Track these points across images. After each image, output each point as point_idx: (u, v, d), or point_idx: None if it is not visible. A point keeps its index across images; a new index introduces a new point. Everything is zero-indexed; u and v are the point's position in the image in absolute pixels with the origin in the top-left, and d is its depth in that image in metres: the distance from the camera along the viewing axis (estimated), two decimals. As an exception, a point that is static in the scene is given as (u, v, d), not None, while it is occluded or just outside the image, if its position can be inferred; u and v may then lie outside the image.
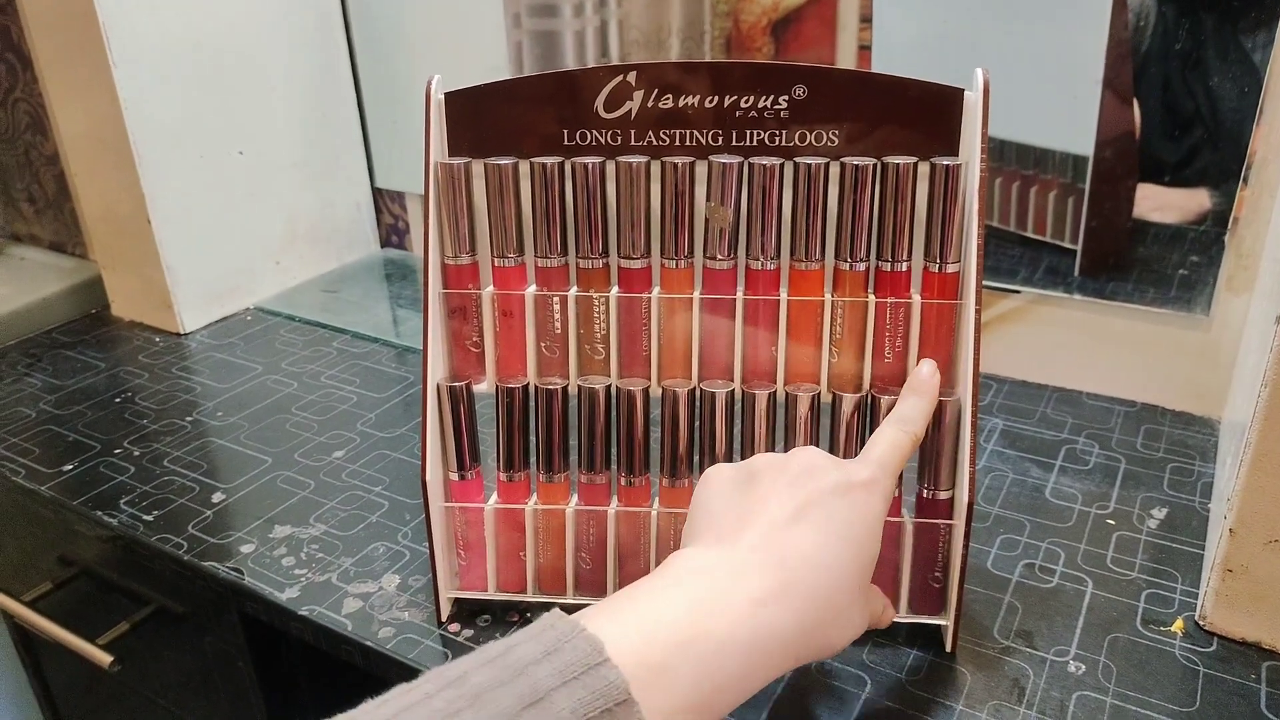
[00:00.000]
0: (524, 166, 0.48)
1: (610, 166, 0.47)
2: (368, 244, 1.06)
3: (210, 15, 0.83)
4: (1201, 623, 0.50)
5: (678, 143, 0.48)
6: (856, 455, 0.43)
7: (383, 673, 0.51)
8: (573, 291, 0.49)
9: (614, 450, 0.50)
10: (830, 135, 0.46)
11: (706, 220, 0.47)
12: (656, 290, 0.48)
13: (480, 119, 0.48)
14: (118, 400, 0.77)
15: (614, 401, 0.49)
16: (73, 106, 0.83)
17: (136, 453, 0.69)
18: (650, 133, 0.48)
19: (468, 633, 0.51)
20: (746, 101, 0.46)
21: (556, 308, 0.49)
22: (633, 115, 0.47)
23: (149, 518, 0.62)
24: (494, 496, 0.51)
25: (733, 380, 0.49)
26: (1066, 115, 0.66)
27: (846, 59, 0.73)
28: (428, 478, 0.49)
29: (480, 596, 0.52)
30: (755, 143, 0.47)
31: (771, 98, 0.46)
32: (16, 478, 0.67)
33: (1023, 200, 0.70)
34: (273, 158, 0.92)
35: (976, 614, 0.51)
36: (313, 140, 0.96)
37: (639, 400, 0.49)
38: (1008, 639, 0.50)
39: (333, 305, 0.93)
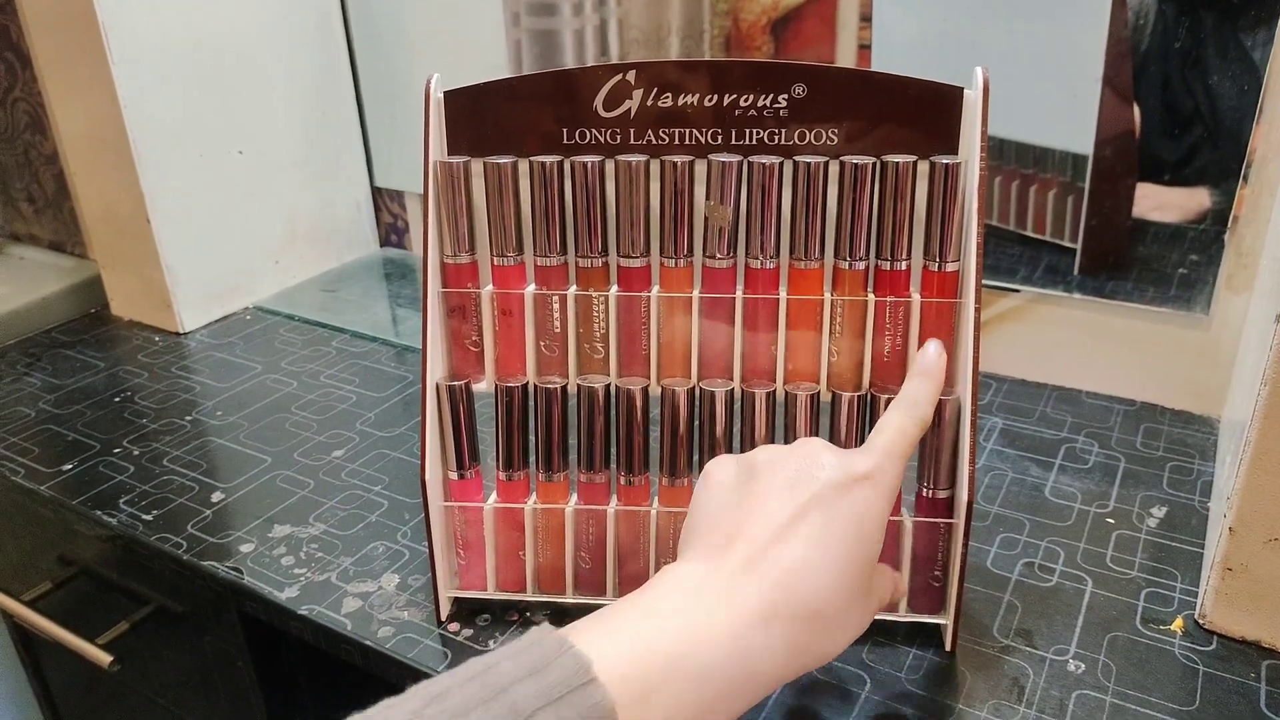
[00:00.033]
0: (523, 165, 0.48)
1: (610, 165, 0.47)
2: (367, 243, 1.06)
3: (210, 15, 0.83)
4: (1201, 621, 0.50)
5: (677, 141, 0.48)
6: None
7: (382, 672, 0.51)
8: (572, 290, 0.49)
9: (613, 449, 0.50)
10: (830, 134, 0.46)
11: (706, 219, 0.47)
12: (656, 289, 0.48)
13: (479, 118, 0.48)
14: (117, 400, 0.77)
15: (613, 400, 0.49)
16: (72, 106, 0.83)
17: (136, 452, 0.69)
18: (649, 131, 0.48)
19: (467, 632, 0.51)
20: (746, 100, 0.46)
21: (556, 307, 0.49)
22: (632, 114, 0.47)
23: (148, 517, 0.62)
24: (493, 496, 0.51)
25: (732, 379, 0.49)
26: (1066, 114, 0.66)
27: (846, 58, 0.73)
28: (427, 477, 0.49)
29: (480, 596, 0.52)
30: (755, 141, 0.47)
31: (771, 96, 0.46)
32: (16, 477, 0.67)
33: (1022, 199, 0.70)
34: (272, 157, 0.92)
35: (976, 613, 0.51)
36: (312, 140, 0.96)
37: (638, 399, 0.49)
38: (1007, 638, 0.50)
39: (332, 304, 0.93)
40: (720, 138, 0.47)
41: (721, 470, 0.41)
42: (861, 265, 0.46)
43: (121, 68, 0.78)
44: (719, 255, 0.47)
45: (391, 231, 1.07)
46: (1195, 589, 0.52)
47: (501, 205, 0.48)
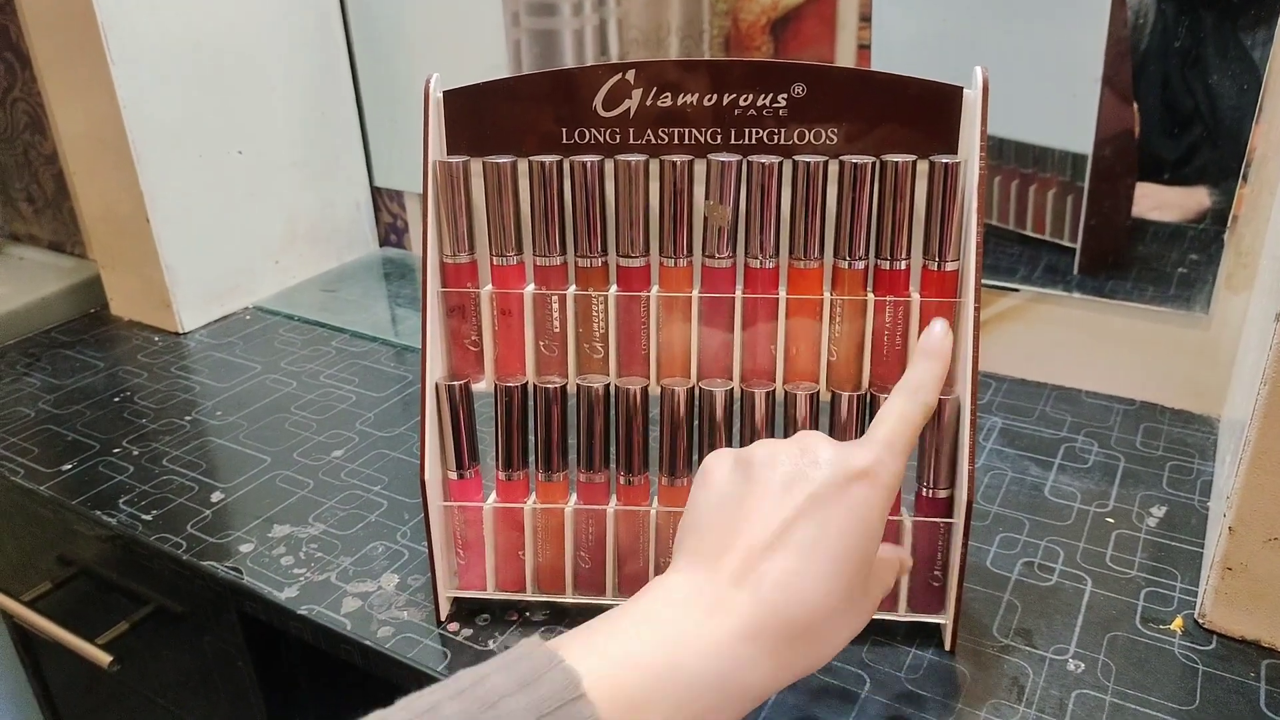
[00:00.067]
0: (522, 165, 0.48)
1: (609, 165, 0.47)
2: (367, 243, 1.06)
3: (209, 15, 0.83)
4: (1201, 621, 0.50)
5: (676, 141, 0.48)
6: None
7: (382, 672, 0.51)
8: (571, 290, 0.49)
9: (613, 449, 0.50)
10: (829, 133, 0.46)
11: (705, 219, 0.47)
12: (655, 289, 0.48)
13: (479, 118, 0.48)
14: (117, 400, 0.77)
15: (613, 400, 0.49)
16: (72, 106, 0.83)
17: (135, 452, 0.69)
18: (649, 131, 0.47)
19: (467, 632, 0.51)
20: (745, 100, 0.46)
21: (555, 306, 0.49)
22: (631, 114, 0.47)
23: (148, 517, 0.62)
24: (493, 495, 0.51)
25: (732, 379, 0.49)
26: (1066, 113, 0.66)
27: (846, 58, 0.73)
28: (426, 477, 0.49)
29: (479, 596, 0.52)
30: (754, 141, 0.47)
31: (770, 96, 0.46)
32: (15, 477, 0.67)
33: (1022, 198, 0.70)
34: (272, 157, 0.92)
35: (976, 612, 0.51)
36: (312, 140, 0.96)
37: (638, 399, 0.49)
38: (1007, 637, 0.50)
39: (332, 304, 0.93)
40: (720, 137, 0.47)
41: (718, 468, 0.40)
42: (861, 265, 0.46)
43: (121, 68, 0.78)
44: (718, 255, 0.47)
45: (391, 231, 1.07)
46: (1195, 588, 0.52)
47: (501, 205, 0.48)
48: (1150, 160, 0.65)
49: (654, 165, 0.47)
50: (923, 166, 0.45)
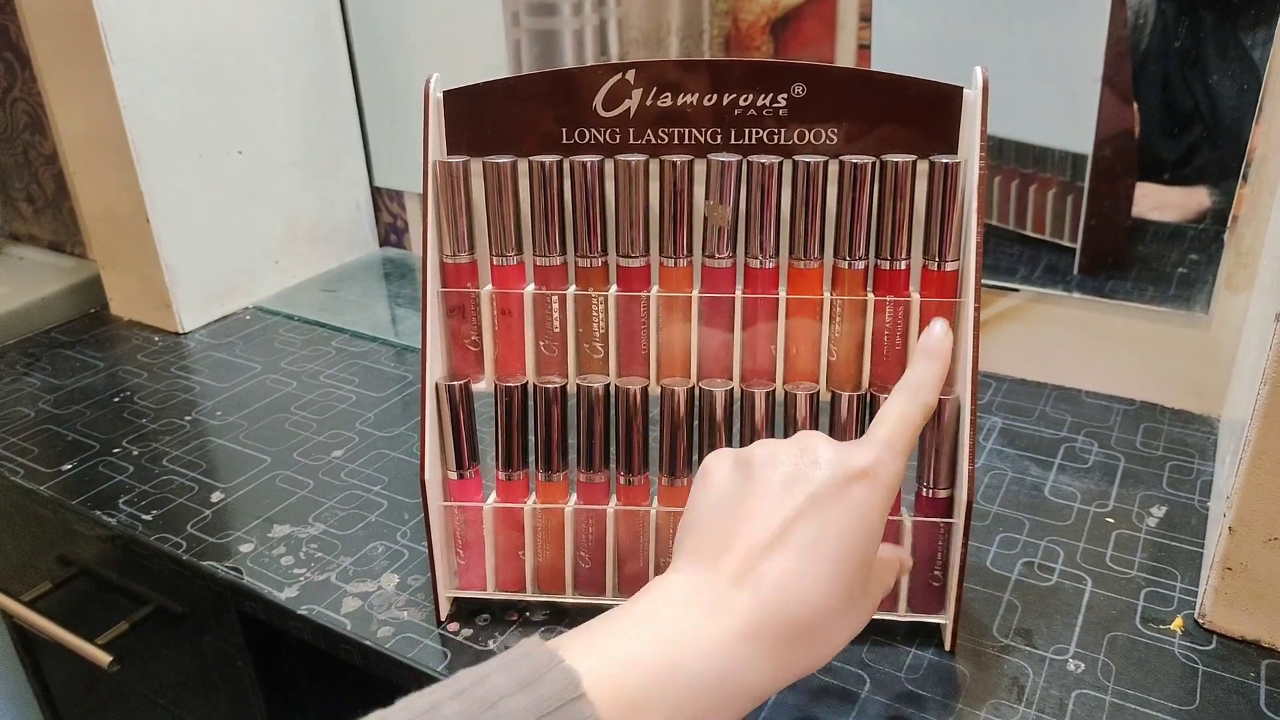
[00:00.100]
0: (522, 165, 0.48)
1: (609, 165, 0.47)
2: (367, 243, 1.06)
3: (209, 15, 0.83)
4: (1201, 621, 0.50)
5: (676, 141, 0.48)
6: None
7: (382, 672, 0.51)
8: (571, 290, 0.49)
9: (613, 449, 0.50)
10: (829, 133, 0.46)
11: (705, 219, 0.47)
12: (655, 289, 0.48)
13: (479, 118, 0.48)
14: (116, 400, 0.77)
15: (613, 400, 0.49)
16: (72, 106, 0.83)
17: (135, 452, 0.69)
18: (649, 131, 0.47)
19: (467, 632, 0.51)
20: (745, 100, 0.46)
21: (555, 306, 0.49)
22: (631, 114, 0.47)
23: (148, 517, 0.62)
24: (493, 495, 0.51)
25: (732, 379, 0.49)
26: (1066, 113, 0.66)
27: (846, 58, 0.73)
28: (426, 477, 0.49)
29: (479, 596, 0.52)
30: (754, 141, 0.47)
31: (770, 96, 0.46)
32: (15, 477, 0.67)
33: (1022, 198, 0.70)
34: (272, 157, 0.92)
35: (976, 612, 0.51)
36: (312, 140, 0.96)
37: (638, 399, 0.49)
38: (1007, 637, 0.50)
39: (332, 304, 0.93)
40: (720, 137, 0.47)
41: (718, 468, 0.40)
42: (861, 265, 0.46)
43: (121, 68, 0.78)
44: (718, 255, 0.47)
45: (391, 231, 1.07)
46: (1195, 588, 0.52)
47: (501, 205, 0.48)
48: (1150, 160, 0.65)
49: (654, 165, 0.47)
50: (923, 166, 0.45)
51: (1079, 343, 0.72)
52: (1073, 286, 0.71)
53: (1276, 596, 0.47)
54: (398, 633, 0.51)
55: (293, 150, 0.94)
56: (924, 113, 0.45)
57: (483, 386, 0.50)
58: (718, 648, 0.34)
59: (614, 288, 0.49)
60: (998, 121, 0.68)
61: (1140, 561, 0.55)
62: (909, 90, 0.45)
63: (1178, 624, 0.50)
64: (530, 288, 0.49)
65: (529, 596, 0.52)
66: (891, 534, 0.47)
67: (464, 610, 0.52)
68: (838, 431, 0.47)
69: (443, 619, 0.52)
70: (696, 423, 0.49)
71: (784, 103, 0.46)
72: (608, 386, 0.49)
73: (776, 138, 0.47)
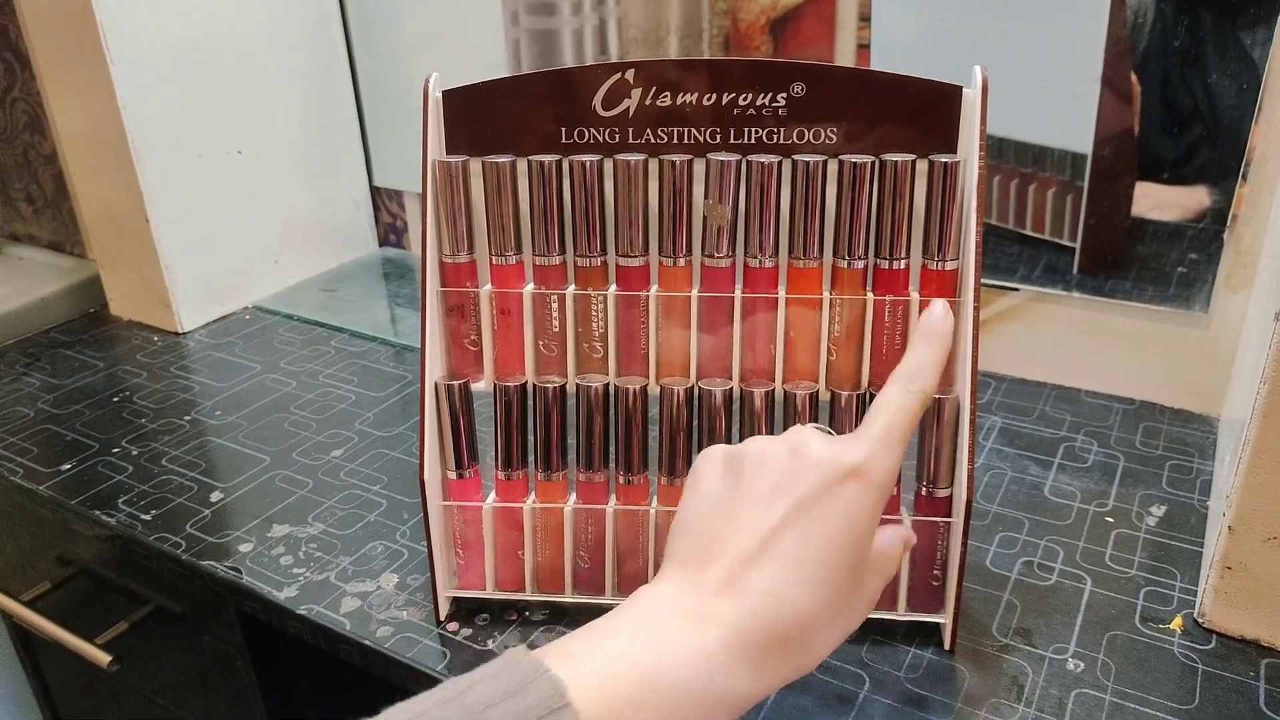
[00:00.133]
0: (522, 165, 0.48)
1: (608, 164, 0.47)
2: (366, 243, 1.06)
3: (209, 15, 0.83)
4: (1200, 620, 0.50)
5: (676, 140, 0.47)
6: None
7: (381, 672, 0.51)
8: (571, 290, 0.49)
9: (612, 448, 0.50)
10: (829, 133, 0.46)
11: (705, 218, 0.47)
12: (655, 288, 0.48)
13: (478, 117, 0.48)
14: (116, 399, 0.77)
15: (612, 400, 0.49)
16: (71, 106, 0.83)
17: (135, 452, 0.69)
18: (648, 130, 0.47)
19: (466, 632, 0.51)
20: (745, 99, 0.46)
21: (554, 306, 0.49)
22: (631, 113, 0.47)
23: (147, 517, 0.62)
24: (492, 495, 0.51)
25: (731, 378, 0.49)
26: (1065, 113, 0.66)
27: (845, 57, 0.73)
28: (426, 476, 0.49)
29: (478, 595, 0.52)
30: (753, 140, 0.47)
31: (770, 95, 0.46)
32: (15, 477, 0.67)
33: (1021, 198, 0.70)
34: (271, 157, 0.92)
35: (975, 612, 0.51)
36: (311, 139, 0.96)
37: (637, 398, 0.49)
38: (1006, 637, 0.50)
39: (331, 304, 0.93)
40: (719, 137, 0.47)
41: (708, 469, 0.39)
42: (860, 264, 0.46)
43: (120, 68, 0.78)
44: (718, 254, 0.47)
45: (390, 231, 1.07)
46: (1194, 588, 0.52)
47: (500, 204, 0.48)
48: (1150, 159, 0.65)
49: (653, 165, 0.47)
50: (922, 166, 0.45)
51: (1078, 342, 0.72)
52: (1072, 286, 0.71)
53: (1276, 596, 0.47)
54: (397, 632, 0.51)
55: (292, 150, 0.94)
56: (923, 112, 0.45)
57: (482, 386, 0.50)
58: (702, 658, 0.33)
59: (613, 287, 0.49)
60: (997, 121, 0.68)
61: (1140, 561, 0.55)
62: (908, 90, 0.45)
63: (1177, 623, 0.50)
64: (529, 287, 0.49)
65: (528, 596, 0.52)
66: (891, 533, 0.47)
67: (463, 610, 0.52)
68: (837, 430, 0.47)
69: (442, 619, 0.52)
70: (696, 422, 0.49)
71: (783, 102, 0.46)
72: (607, 386, 0.49)
73: (776, 137, 0.47)
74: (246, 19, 0.87)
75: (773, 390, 0.48)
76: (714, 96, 0.47)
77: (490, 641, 0.50)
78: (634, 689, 0.32)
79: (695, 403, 0.48)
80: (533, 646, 0.35)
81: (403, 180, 1.03)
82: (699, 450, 0.48)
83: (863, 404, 0.47)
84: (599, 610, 0.36)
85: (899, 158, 0.45)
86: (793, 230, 0.47)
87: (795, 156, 0.46)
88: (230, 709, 0.68)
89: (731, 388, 0.48)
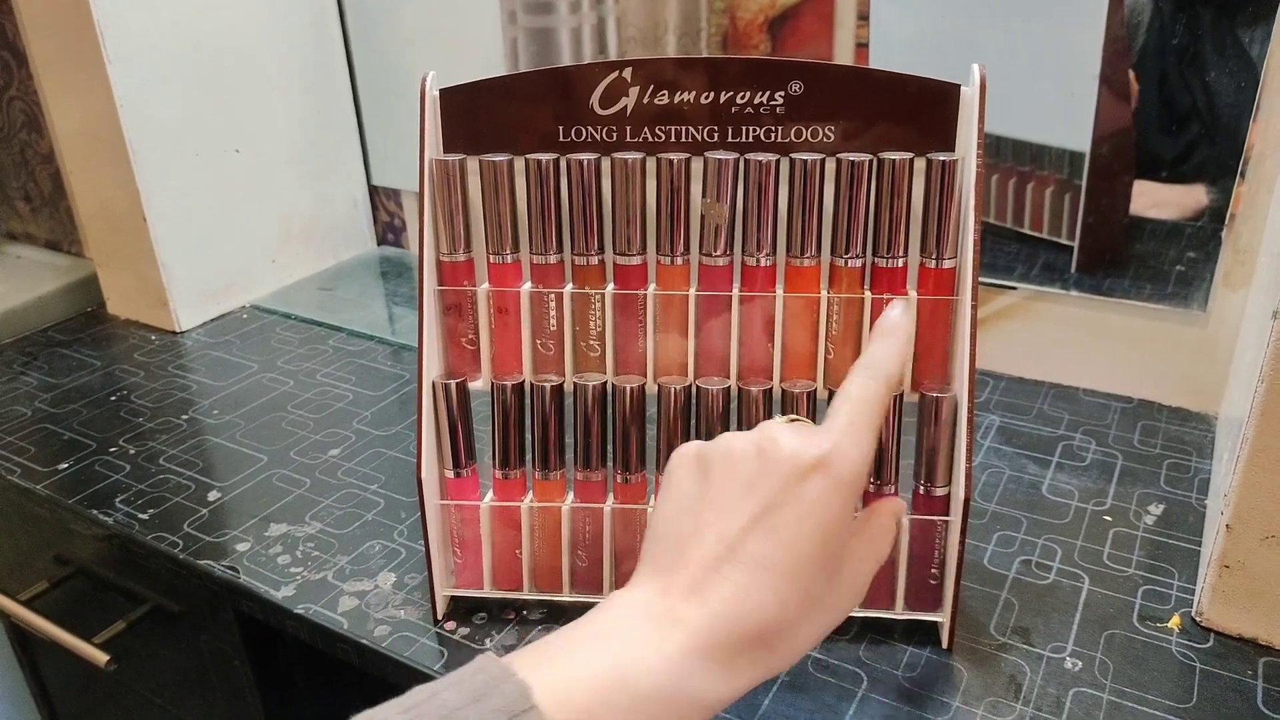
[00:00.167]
0: (519, 163, 0.48)
1: (606, 163, 0.47)
2: (364, 241, 1.06)
3: (206, 14, 0.83)
4: (1198, 619, 0.50)
5: (673, 139, 0.47)
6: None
7: (378, 671, 0.51)
8: (568, 288, 0.49)
9: (610, 447, 0.50)
10: (826, 131, 0.46)
11: (702, 217, 0.47)
12: (652, 287, 0.48)
13: (475, 116, 0.48)
14: (113, 398, 0.77)
15: (610, 399, 0.49)
16: (68, 104, 0.83)
17: (132, 451, 0.69)
18: (646, 129, 0.47)
19: (464, 630, 0.51)
20: (743, 97, 0.46)
21: (552, 305, 0.49)
22: (628, 111, 0.47)
23: (144, 516, 0.62)
24: (489, 494, 0.51)
25: (729, 377, 0.49)
26: (1063, 111, 0.66)
27: (844, 56, 0.73)
28: (423, 475, 0.49)
29: (476, 594, 0.52)
30: (751, 139, 0.47)
31: (768, 94, 0.46)
32: (12, 476, 0.67)
33: (1019, 196, 0.70)
34: (269, 156, 0.92)
35: (973, 610, 0.51)
36: (309, 138, 0.96)
37: (635, 397, 0.49)
38: (1004, 635, 0.49)
39: (329, 303, 0.93)
40: (717, 135, 0.47)
41: (680, 469, 0.39)
42: (858, 262, 0.46)
43: (117, 67, 0.78)
44: (715, 253, 0.47)
45: (388, 230, 1.07)
46: (1192, 586, 0.52)
47: (497, 203, 0.48)
48: (1148, 158, 0.65)
49: (651, 163, 0.47)
50: (920, 164, 0.45)
51: (1077, 341, 0.72)
52: (1070, 284, 0.71)
53: (1274, 594, 0.47)
54: (394, 631, 0.51)
55: (290, 149, 0.94)
56: (921, 110, 0.45)
57: (479, 385, 0.50)
58: (667, 663, 0.33)
59: (611, 286, 0.49)
60: (995, 119, 0.68)
61: (1138, 559, 0.55)
62: (906, 88, 0.45)
63: (1175, 622, 0.50)
64: (527, 286, 0.49)
65: (526, 595, 0.52)
66: (889, 532, 0.47)
67: (461, 609, 0.52)
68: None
69: (440, 617, 0.52)
70: (693, 421, 0.49)
71: (781, 100, 0.46)
72: (605, 385, 0.49)
73: (774, 135, 0.47)
74: (244, 18, 0.87)
75: (770, 389, 0.48)
76: (712, 95, 0.46)
77: (488, 640, 0.50)
78: (602, 693, 0.32)
79: (693, 401, 0.48)
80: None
81: (401, 179, 1.03)
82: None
83: (861, 403, 0.47)
84: (596, 609, 0.36)
85: (897, 156, 0.45)
86: (790, 228, 0.46)
87: (793, 155, 0.46)
88: (228, 708, 0.68)
89: (729, 386, 0.48)
